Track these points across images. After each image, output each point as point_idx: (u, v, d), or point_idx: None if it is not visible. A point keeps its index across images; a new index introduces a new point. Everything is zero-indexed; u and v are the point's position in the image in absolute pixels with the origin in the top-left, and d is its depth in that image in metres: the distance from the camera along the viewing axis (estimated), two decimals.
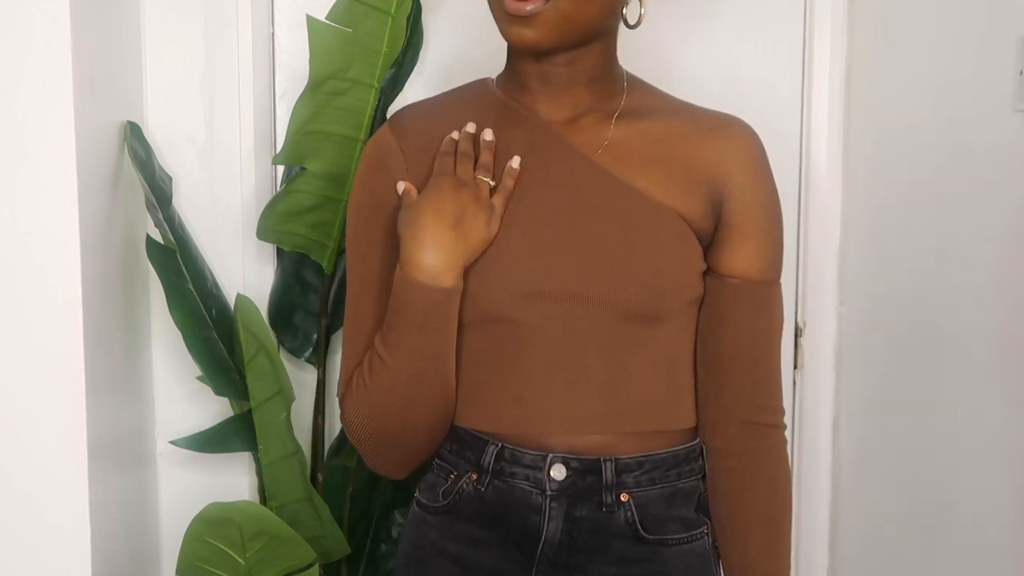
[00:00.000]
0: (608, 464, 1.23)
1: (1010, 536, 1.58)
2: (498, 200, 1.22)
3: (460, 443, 1.28)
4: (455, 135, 1.25)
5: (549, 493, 1.23)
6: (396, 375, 1.21)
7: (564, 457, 1.22)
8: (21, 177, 1.42)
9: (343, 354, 1.30)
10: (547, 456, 1.22)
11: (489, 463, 1.24)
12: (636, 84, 1.31)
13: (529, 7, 1.16)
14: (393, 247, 1.25)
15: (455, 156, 1.24)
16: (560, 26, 1.18)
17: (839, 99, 2.01)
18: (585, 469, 1.22)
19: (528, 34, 1.17)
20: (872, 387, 1.97)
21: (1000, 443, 1.60)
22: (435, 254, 1.18)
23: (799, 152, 2.05)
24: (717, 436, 1.28)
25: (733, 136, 1.26)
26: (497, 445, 1.24)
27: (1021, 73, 1.53)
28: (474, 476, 1.26)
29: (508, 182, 1.23)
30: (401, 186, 1.23)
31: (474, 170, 1.23)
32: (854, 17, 1.99)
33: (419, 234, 1.18)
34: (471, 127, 1.26)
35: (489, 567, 1.26)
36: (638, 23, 1.24)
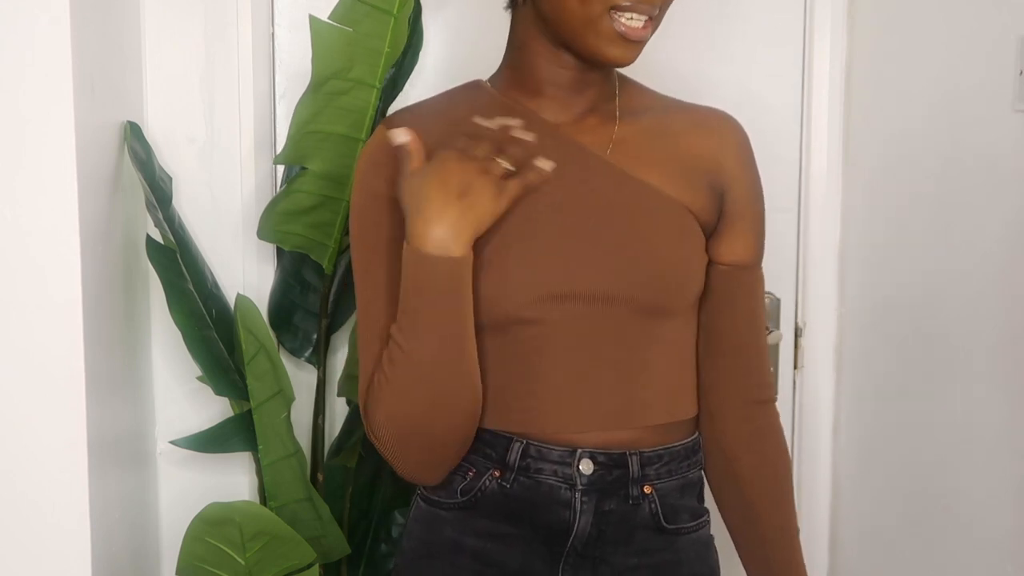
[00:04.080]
0: (634, 458, 1.25)
1: (1010, 536, 1.58)
2: (513, 185, 1.16)
3: (479, 441, 1.27)
4: (480, 120, 1.18)
5: (580, 488, 1.24)
6: (417, 360, 1.17)
7: (591, 452, 1.24)
8: (21, 177, 1.42)
9: (363, 361, 1.25)
10: (575, 451, 1.24)
11: (515, 460, 1.24)
12: (626, 81, 1.33)
13: (647, 31, 1.18)
14: (401, 244, 1.25)
15: (471, 138, 1.17)
16: (647, 42, 1.21)
17: (839, 99, 2.01)
18: (612, 463, 1.24)
19: (632, 55, 1.19)
20: (872, 387, 1.97)
21: (1000, 443, 1.60)
22: (441, 225, 1.13)
23: (799, 152, 2.05)
24: (722, 421, 1.32)
25: (723, 129, 1.30)
26: (522, 442, 1.24)
27: (1021, 73, 1.53)
28: (497, 473, 1.25)
29: (531, 176, 1.16)
30: (402, 137, 1.16)
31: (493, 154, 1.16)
32: (854, 17, 1.99)
33: (423, 206, 1.14)
34: (514, 123, 1.17)
35: (512, 562, 1.26)
36: None
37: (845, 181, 2.02)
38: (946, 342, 1.74)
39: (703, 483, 1.34)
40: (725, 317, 1.30)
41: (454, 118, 1.29)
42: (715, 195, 1.27)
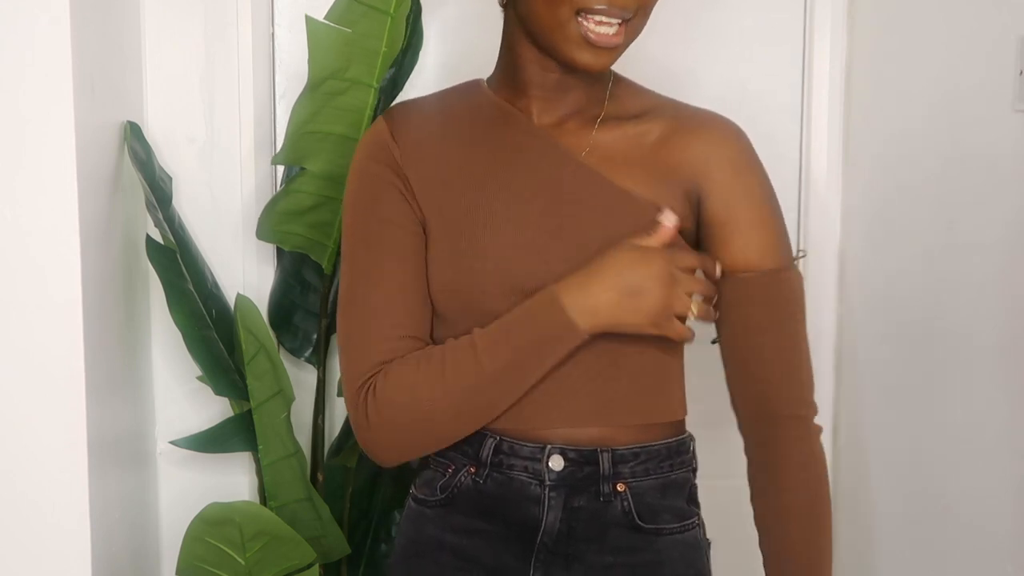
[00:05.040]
0: (605, 455, 1.25)
1: (1010, 536, 1.58)
2: (671, 327, 1.20)
3: None
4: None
5: (548, 484, 1.25)
6: (480, 373, 1.20)
7: (562, 448, 1.24)
8: (21, 177, 1.42)
9: (359, 337, 1.24)
10: (545, 448, 1.24)
11: (488, 456, 1.26)
12: (621, 84, 1.32)
13: (619, 39, 1.17)
14: (405, 228, 1.25)
15: (693, 263, 1.22)
16: (625, 47, 1.21)
17: (839, 99, 2.01)
18: (583, 460, 1.25)
19: (604, 61, 1.19)
20: (872, 387, 1.97)
21: (1000, 443, 1.60)
22: (592, 299, 1.18)
23: (799, 153, 2.05)
24: (750, 432, 1.30)
25: (710, 136, 1.27)
26: (495, 438, 1.26)
27: (1021, 73, 1.53)
28: (472, 469, 1.27)
29: (687, 335, 1.22)
30: (670, 221, 1.21)
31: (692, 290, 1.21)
32: (854, 17, 1.99)
33: (599, 271, 1.19)
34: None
35: (488, 557, 1.27)
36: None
37: (845, 181, 2.02)
38: (946, 342, 1.73)
39: (693, 484, 1.33)
40: (738, 327, 1.27)
41: (450, 115, 1.30)
42: (690, 203, 1.26)
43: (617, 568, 1.26)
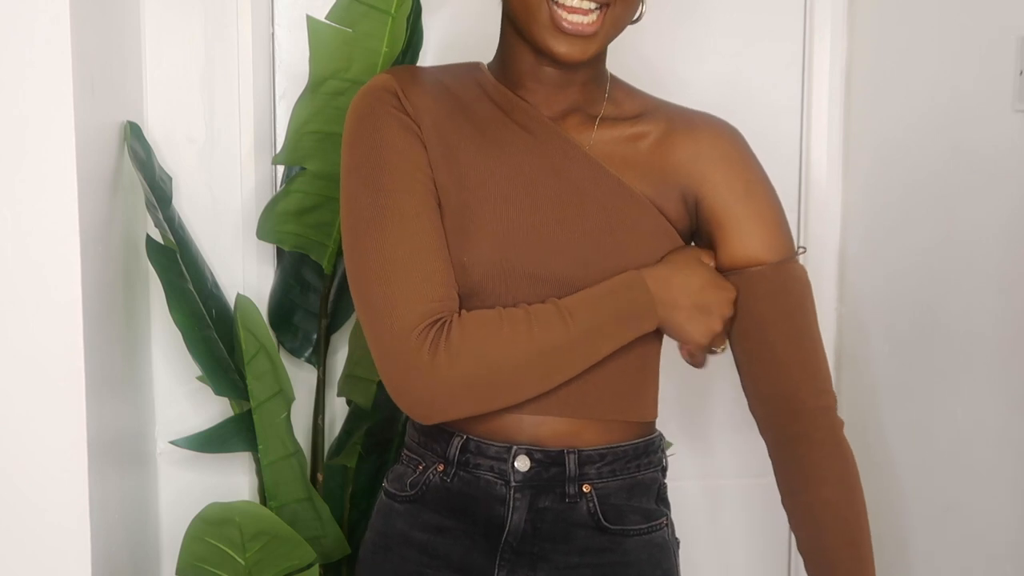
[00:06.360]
0: (571, 456, 1.25)
1: (1010, 536, 1.58)
2: (701, 356, 1.30)
3: (427, 435, 1.30)
4: None
5: (513, 484, 1.25)
6: (569, 340, 1.18)
7: (528, 449, 1.24)
8: (21, 177, 1.42)
9: (409, 276, 1.17)
10: (511, 448, 1.24)
11: (455, 455, 1.26)
12: (619, 86, 1.32)
13: (593, 27, 1.16)
14: (428, 174, 1.22)
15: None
16: (607, 38, 1.20)
17: (839, 99, 2.01)
18: (549, 461, 1.25)
19: (579, 51, 1.18)
20: (872, 387, 1.97)
21: (1000, 443, 1.60)
22: (674, 294, 1.22)
23: (799, 152, 2.05)
24: (774, 432, 1.29)
25: (703, 136, 1.28)
26: (462, 437, 1.26)
27: (1021, 73, 1.53)
28: (440, 467, 1.28)
29: (699, 359, 1.31)
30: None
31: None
32: (854, 17, 1.99)
33: (681, 280, 1.23)
34: None
35: (455, 555, 1.27)
36: (639, 18, 1.25)
37: (845, 181, 2.02)
38: (946, 342, 1.73)
39: (662, 484, 1.32)
40: (746, 322, 1.27)
41: (455, 90, 1.29)
42: (686, 204, 1.27)
43: (583, 568, 1.26)
